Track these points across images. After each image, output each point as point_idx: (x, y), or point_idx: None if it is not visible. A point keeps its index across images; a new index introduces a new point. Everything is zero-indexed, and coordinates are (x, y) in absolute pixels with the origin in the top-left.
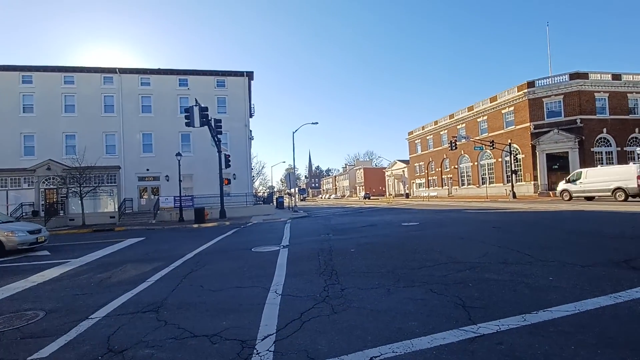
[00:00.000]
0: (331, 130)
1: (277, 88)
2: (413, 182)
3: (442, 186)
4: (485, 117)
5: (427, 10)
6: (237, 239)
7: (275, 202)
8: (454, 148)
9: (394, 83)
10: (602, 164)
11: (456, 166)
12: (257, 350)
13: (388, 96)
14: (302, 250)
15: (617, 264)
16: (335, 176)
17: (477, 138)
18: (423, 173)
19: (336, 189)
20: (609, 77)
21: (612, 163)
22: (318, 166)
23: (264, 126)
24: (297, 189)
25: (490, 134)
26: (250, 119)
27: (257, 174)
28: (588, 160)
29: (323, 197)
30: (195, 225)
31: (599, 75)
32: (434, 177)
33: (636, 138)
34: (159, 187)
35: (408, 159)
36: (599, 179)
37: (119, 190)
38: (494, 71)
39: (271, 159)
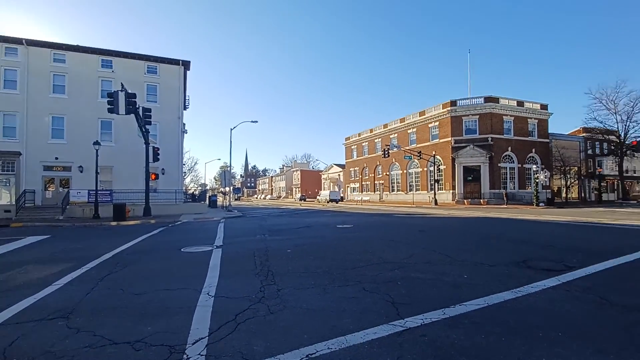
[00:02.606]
0: (270, 131)
1: (215, 85)
2: (348, 186)
3: (375, 191)
4: (414, 129)
5: (367, 25)
6: (164, 238)
7: (207, 201)
8: (386, 156)
9: (334, 91)
10: (505, 177)
11: (388, 173)
12: (187, 355)
13: (327, 103)
14: (237, 250)
15: (517, 263)
16: (272, 177)
17: (407, 148)
18: (357, 178)
19: (272, 189)
20: (515, 103)
21: (514, 177)
22: (255, 165)
23: (199, 121)
24: (232, 187)
25: (418, 145)
26: (184, 112)
27: (189, 170)
28: (496, 173)
29: (259, 197)
30: (114, 223)
31: (507, 100)
32: (367, 182)
33: (532, 157)
34: (70, 179)
35: (344, 163)
36: None
37: (17, 180)
38: (426, 87)
39: (205, 156)
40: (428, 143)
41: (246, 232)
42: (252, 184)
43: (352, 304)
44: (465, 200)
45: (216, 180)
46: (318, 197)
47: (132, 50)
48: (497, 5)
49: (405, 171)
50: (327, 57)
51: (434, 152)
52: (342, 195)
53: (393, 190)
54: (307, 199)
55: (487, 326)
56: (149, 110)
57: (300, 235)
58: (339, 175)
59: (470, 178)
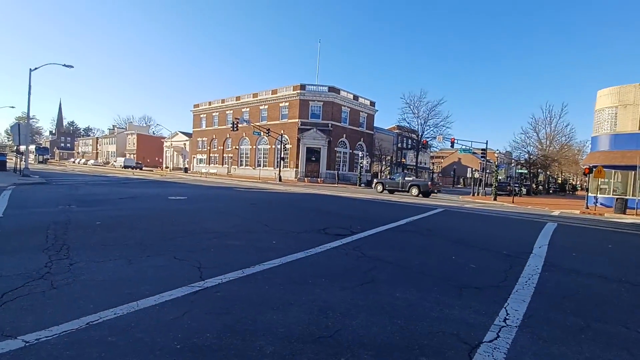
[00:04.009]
0: (97, 82)
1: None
2: (194, 157)
3: (223, 164)
4: (266, 106)
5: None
6: None
7: None
8: (235, 129)
9: (183, 53)
10: (340, 160)
11: (237, 147)
12: None
13: (176, 64)
14: (22, 222)
15: (318, 230)
16: (98, 138)
17: (257, 124)
18: (205, 149)
19: (97, 153)
20: (352, 96)
21: (346, 161)
22: (73, 122)
23: None
24: (34, 147)
25: (269, 122)
26: None
27: None
28: (332, 156)
29: (77, 161)
30: None
31: (346, 93)
32: (215, 155)
33: (361, 145)
34: None
35: (191, 132)
36: None
37: None
38: (281, 68)
39: None
40: (278, 122)
41: (45, 202)
42: (69, 145)
43: (157, 272)
44: (305, 179)
45: (8, 135)
46: (114, 162)
47: None
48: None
49: (254, 147)
50: (183, 16)
51: (282, 131)
52: (186, 166)
53: (242, 165)
54: (143, 168)
55: (275, 279)
56: None
57: (120, 207)
58: (185, 144)
59: (313, 159)
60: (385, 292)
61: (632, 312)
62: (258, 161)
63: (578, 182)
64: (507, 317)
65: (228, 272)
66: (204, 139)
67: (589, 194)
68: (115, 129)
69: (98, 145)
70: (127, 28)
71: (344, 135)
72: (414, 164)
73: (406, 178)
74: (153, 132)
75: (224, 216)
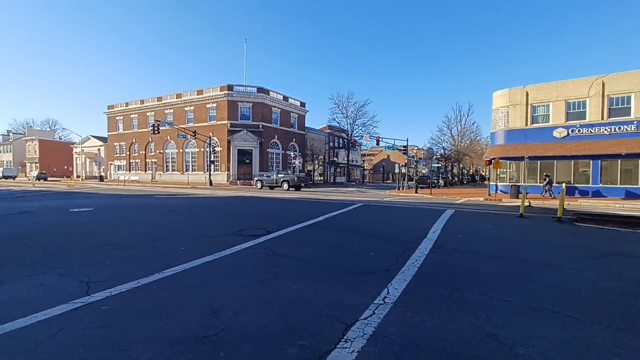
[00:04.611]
0: None
1: None
2: (111, 164)
3: (146, 170)
4: (192, 108)
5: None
6: None
7: None
8: (156, 132)
9: (92, 53)
10: (273, 161)
11: (161, 151)
12: None
13: (84, 65)
14: None
15: (234, 233)
16: None
17: (183, 126)
18: (125, 154)
19: None
20: (281, 97)
21: (279, 162)
22: None
23: None
24: None
25: (195, 124)
26: None
27: None
28: (265, 157)
29: None
30: None
31: (275, 94)
32: (137, 160)
33: (293, 145)
34: None
35: (106, 136)
36: None
37: None
38: (207, 69)
39: None
40: (206, 123)
41: None
42: None
43: (34, 292)
44: (238, 182)
45: None
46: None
47: None
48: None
49: (181, 150)
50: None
51: (211, 134)
52: (102, 174)
53: (168, 170)
54: (48, 178)
55: (172, 286)
56: None
57: (5, 224)
58: (99, 150)
59: (247, 161)
60: (284, 286)
61: (490, 281)
62: (186, 165)
63: (487, 173)
64: (386, 296)
65: (121, 284)
66: (122, 143)
67: (491, 183)
68: (11, 134)
69: None
70: (20, 23)
71: (276, 136)
72: (346, 162)
73: (279, 175)
74: (59, 137)
75: (131, 226)
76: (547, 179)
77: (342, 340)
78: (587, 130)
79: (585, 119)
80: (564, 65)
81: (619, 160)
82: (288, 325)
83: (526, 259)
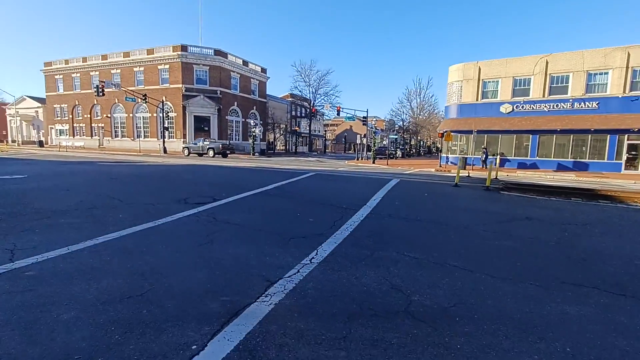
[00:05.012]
0: None
1: None
2: (52, 128)
3: (92, 136)
4: (142, 69)
5: None
6: None
7: None
8: (100, 94)
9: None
10: (232, 129)
11: (109, 115)
12: None
13: (17, 15)
14: None
15: (179, 201)
16: None
17: (132, 89)
18: (67, 118)
19: None
20: (241, 62)
21: (239, 130)
22: None
23: None
24: None
25: (146, 87)
26: None
27: None
28: (224, 125)
29: None
30: None
31: (234, 58)
32: (81, 125)
33: (254, 113)
34: None
35: (44, 97)
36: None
37: None
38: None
39: None
40: (158, 86)
41: None
42: None
43: None
44: None
45: None
46: None
47: None
48: None
49: (131, 115)
50: None
51: (164, 98)
52: (42, 139)
53: (117, 136)
54: None
55: (104, 252)
56: None
57: None
58: (37, 112)
59: (206, 128)
60: (218, 250)
61: (410, 242)
62: (138, 132)
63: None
64: (313, 257)
65: (49, 251)
66: (63, 105)
67: (442, 155)
68: None
69: None
70: None
71: (235, 103)
72: (308, 132)
73: (204, 142)
74: None
75: (68, 194)
76: (484, 152)
77: (263, 295)
78: (530, 107)
79: (529, 95)
80: (523, 41)
81: (555, 136)
82: (214, 284)
83: (447, 222)
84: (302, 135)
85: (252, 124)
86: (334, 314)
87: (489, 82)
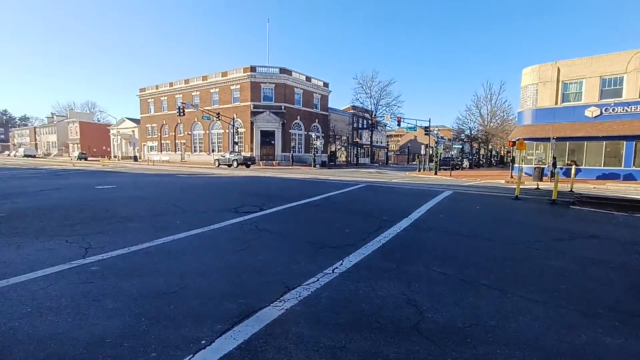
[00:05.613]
0: (33, 67)
1: None
2: (144, 145)
3: (176, 151)
4: (217, 89)
5: None
6: None
7: None
8: (181, 114)
9: (124, 35)
10: (295, 142)
11: (190, 132)
12: None
13: (118, 47)
14: None
15: (230, 210)
16: (35, 128)
17: (208, 108)
18: (156, 135)
19: (37, 144)
20: (304, 78)
21: (302, 143)
22: (6, 110)
23: None
24: None
25: (221, 106)
26: None
27: None
28: (287, 138)
29: (12, 153)
30: None
31: (298, 74)
32: (167, 141)
33: (316, 126)
34: None
35: (139, 118)
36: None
37: None
38: (230, 50)
39: None
40: (230, 105)
41: None
42: (2, 137)
43: (40, 254)
44: (261, 162)
45: None
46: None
47: None
48: None
49: (207, 131)
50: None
51: (235, 115)
52: (136, 154)
53: (195, 151)
54: (88, 158)
55: (155, 253)
56: None
57: (37, 198)
58: (133, 131)
59: (273, 141)
60: (252, 256)
61: (441, 256)
62: (212, 146)
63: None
64: (337, 267)
65: (113, 250)
66: (153, 125)
67: (515, 165)
68: (55, 117)
69: (36, 135)
70: (57, 8)
71: (298, 117)
72: (369, 143)
73: (230, 155)
74: (98, 119)
75: (142, 202)
76: (553, 161)
77: (278, 300)
78: (623, 109)
79: (621, 96)
80: (602, 39)
81: None
82: (238, 287)
83: (492, 238)
84: (364, 146)
85: (313, 136)
86: (339, 323)
87: (571, 83)
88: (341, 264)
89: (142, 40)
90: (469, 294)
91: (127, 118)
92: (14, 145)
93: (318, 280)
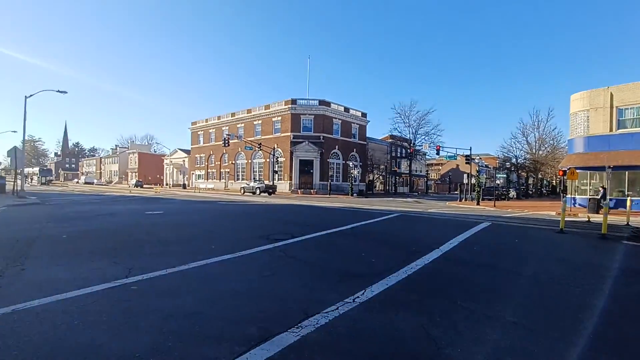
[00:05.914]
0: (101, 105)
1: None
2: (193, 173)
3: (220, 179)
4: (260, 121)
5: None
6: None
7: None
8: (226, 145)
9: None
10: (333, 171)
11: (233, 162)
12: None
13: (174, 79)
14: None
15: (262, 236)
16: (101, 158)
17: (252, 139)
18: (203, 165)
19: (102, 173)
20: (342, 109)
21: (340, 172)
22: (78, 143)
23: None
24: (38, 169)
25: (262, 137)
26: None
27: None
28: (325, 167)
29: (76, 181)
30: None
31: (337, 106)
32: (213, 170)
33: (354, 155)
34: None
35: (190, 149)
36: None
37: None
38: (274, 83)
39: None
40: (271, 136)
41: (26, 221)
42: (74, 166)
43: (89, 274)
44: (299, 190)
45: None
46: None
47: None
48: (336, 16)
49: (250, 161)
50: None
51: (275, 145)
52: (185, 182)
53: (238, 179)
54: (144, 186)
55: (189, 275)
56: None
57: (93, 223)
58: (184, 161)
59: (311, 170)
60: (276, 282)
61: (469, 291)
62: (254, 175)
63: (562, 185)
64: (358, 297)
65: (153, 271)
66: (201, 155)
67: (568, 195)
68: (118, 148)
69: (102, 165)
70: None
71: (336, 147)
72: (408, 172)
73: (254, 183)
74: (154, 150)
75: (182, 227)
76: (602, 191)
77: (295, 326)
78: None
79: None
80: None
81: None
82: (260, 311)
83: (529, 273)
84: (402, 175)
85: (351, 165)
86: (351, 353)
87: (627, 109)
88: (363, 293)
89: (199, 75)
90: (494, 331)
91: (179, 149)
92: (82, 173)
93: (337, 309)
